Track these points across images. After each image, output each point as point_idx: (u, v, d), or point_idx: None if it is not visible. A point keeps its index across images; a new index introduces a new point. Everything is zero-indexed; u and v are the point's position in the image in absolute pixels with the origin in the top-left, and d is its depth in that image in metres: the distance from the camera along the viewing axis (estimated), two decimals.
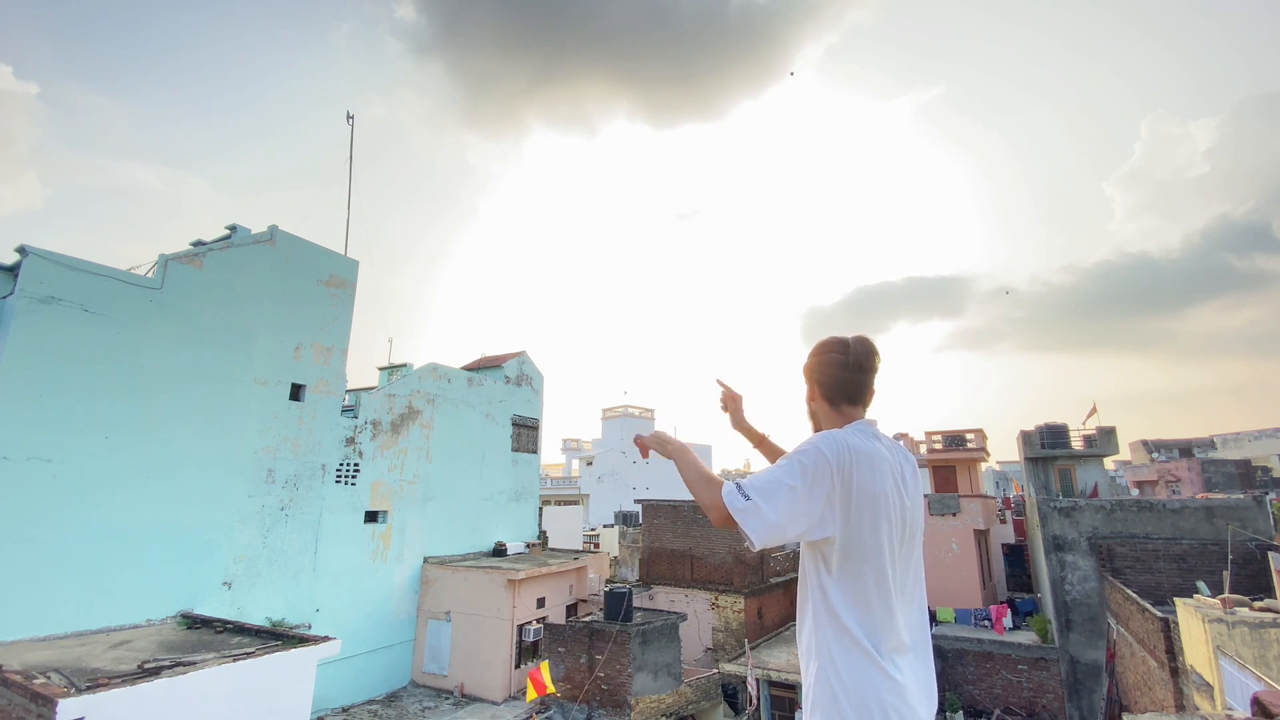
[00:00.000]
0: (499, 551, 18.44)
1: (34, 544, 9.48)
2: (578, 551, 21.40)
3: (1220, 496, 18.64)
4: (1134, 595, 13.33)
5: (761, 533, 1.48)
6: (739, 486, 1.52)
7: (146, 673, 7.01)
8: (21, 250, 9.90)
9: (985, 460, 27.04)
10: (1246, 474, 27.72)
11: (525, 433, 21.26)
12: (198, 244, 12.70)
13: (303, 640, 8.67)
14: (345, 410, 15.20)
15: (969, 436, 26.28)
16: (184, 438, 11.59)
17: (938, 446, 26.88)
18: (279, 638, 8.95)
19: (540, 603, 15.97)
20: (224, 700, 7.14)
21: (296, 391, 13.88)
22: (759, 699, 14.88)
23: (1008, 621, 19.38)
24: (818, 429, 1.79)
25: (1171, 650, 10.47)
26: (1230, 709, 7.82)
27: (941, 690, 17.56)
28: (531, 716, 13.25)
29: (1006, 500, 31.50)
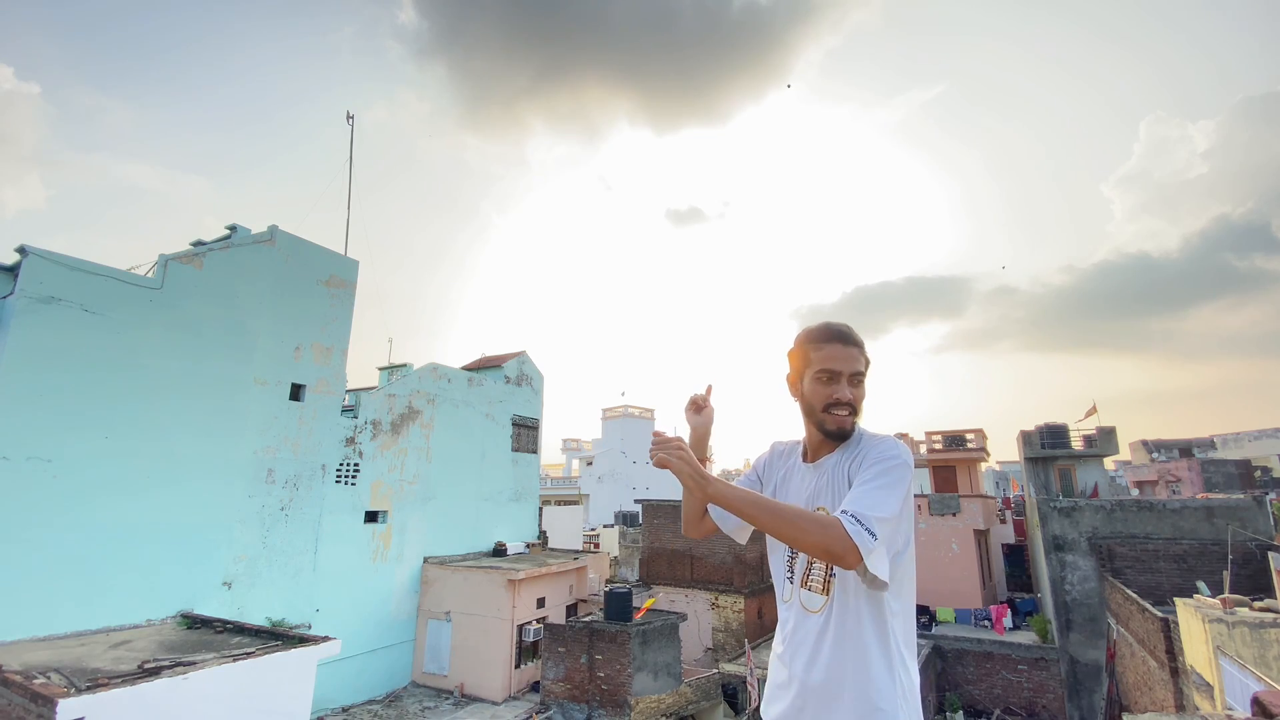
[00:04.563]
0: (499, 551, 18.44)
1: (34, 544, 9.47)
2: (578, 551, 21.39)
3: (1220, 496, 18.64)
4: (1134, 595, 13.34)
5: (886, 572, 1.39)
6: (859, 522, 1.35)
7: (146, 673, 7.01)
8: (21, 250, 9.89)
9: (985, 460, 27.04)
10: (1246, 474, 27.70)
11: (525, 433, 21.26)
12: (198, 244, 12.69)
13: (303, 640, 8.67)
14: (345, 410, 15.20)
15: (969, 436, 26.27)
16: (184, 438, 11.58)
17: (938, 446, 26.87)
18: (279, 638, 8.95)
19: (540, 603, 15.97)
20: (224, 700, 7.14)
21: (296, 391, 13.88)
22: (759, 699, 14.88)
23: (1008, 621, 19.39)
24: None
25: (1171, 650, 10.48)
26: (1230, 709, 7.83)
27: (941, 690, 17.57)
28: (532, 716, 13.26)
29: (1006, 500, 31.51)
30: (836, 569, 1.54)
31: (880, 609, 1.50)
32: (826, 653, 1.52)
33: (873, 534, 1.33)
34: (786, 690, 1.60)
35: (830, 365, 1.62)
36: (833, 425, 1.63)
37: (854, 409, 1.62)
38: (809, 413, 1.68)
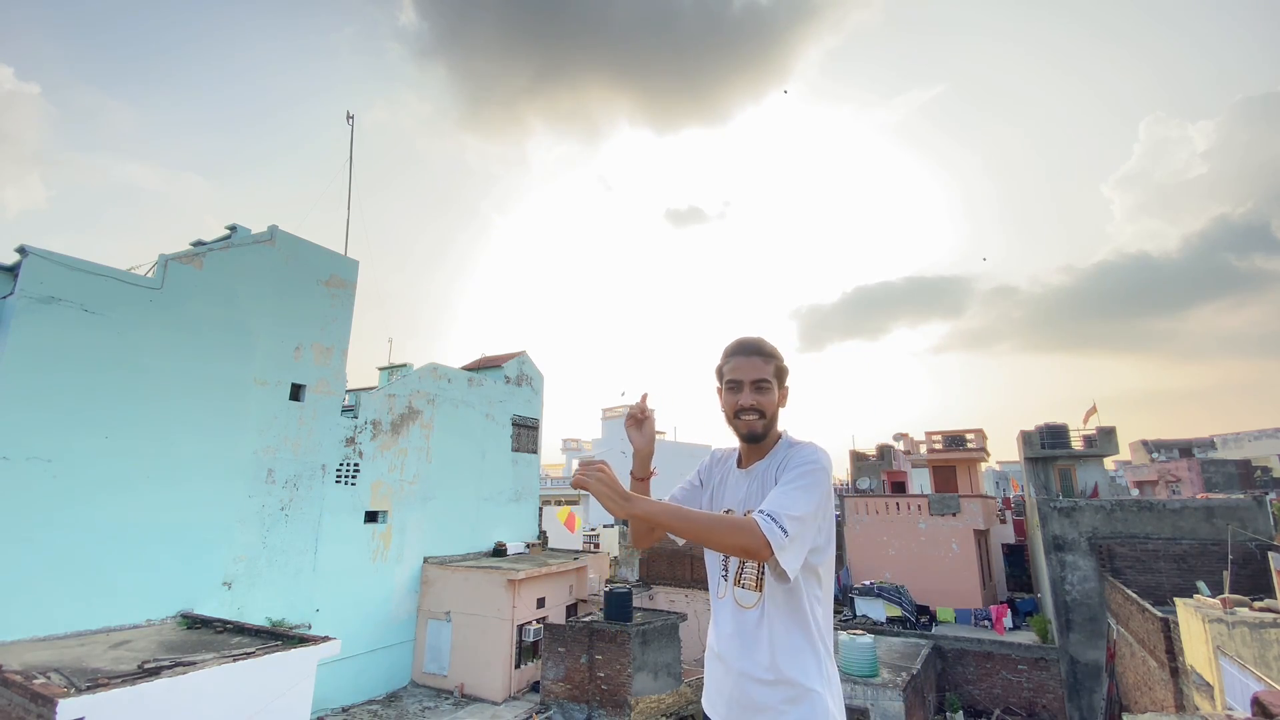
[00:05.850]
0: (499, 551, 18.44)
1: (34, 544, 9.47)
2: (578, 551, 21.40)
3: (1220, 496, 18.65)
4: (1134, 595, 13.34)
5: (795, 566, 1.49)
6: (773, 520, 1.46)
7: (146, 673, 7.01)
8: (21, 250, 9.90)
9: (985, 460, 27.04)
10: (1246, 474, 27.72)
11: (525, 433, 21.26)
12: (198, 244, 12.70)
13: (303, 640, 8.67)
14: (345, 410, 15.20)
15: (969, 436, 26.28)
16: (184, 438, 11.59)
17: (938, 446, 26.88)
18: (279, 638, 8.96)
19: (540, 603, 15.97)
20: (224, 700, 7.14)
21: (296, 391, 13.88)
22: None
23: (1008, 621, 19.38)
24: (775, 424, 1.81)
25: (1171, 650, 10.48)
26: (1230, 709, 7.83)
27: (941, 690, 17.56)
28: (532, 716, 13.26)
29: (1006, 500, 31.50)
30: (767, 566, 1.62)
31: (809, 602, 1.63)
32: (762, 645, 1.62)
33: (784, 530, 1.44)
34: (725, 684, 1.69)
35: (733, 375, 1.77)
36: (743, 430, 1.77)
37: (762, 413, 1.75)
38: (727, 422, 1.82)
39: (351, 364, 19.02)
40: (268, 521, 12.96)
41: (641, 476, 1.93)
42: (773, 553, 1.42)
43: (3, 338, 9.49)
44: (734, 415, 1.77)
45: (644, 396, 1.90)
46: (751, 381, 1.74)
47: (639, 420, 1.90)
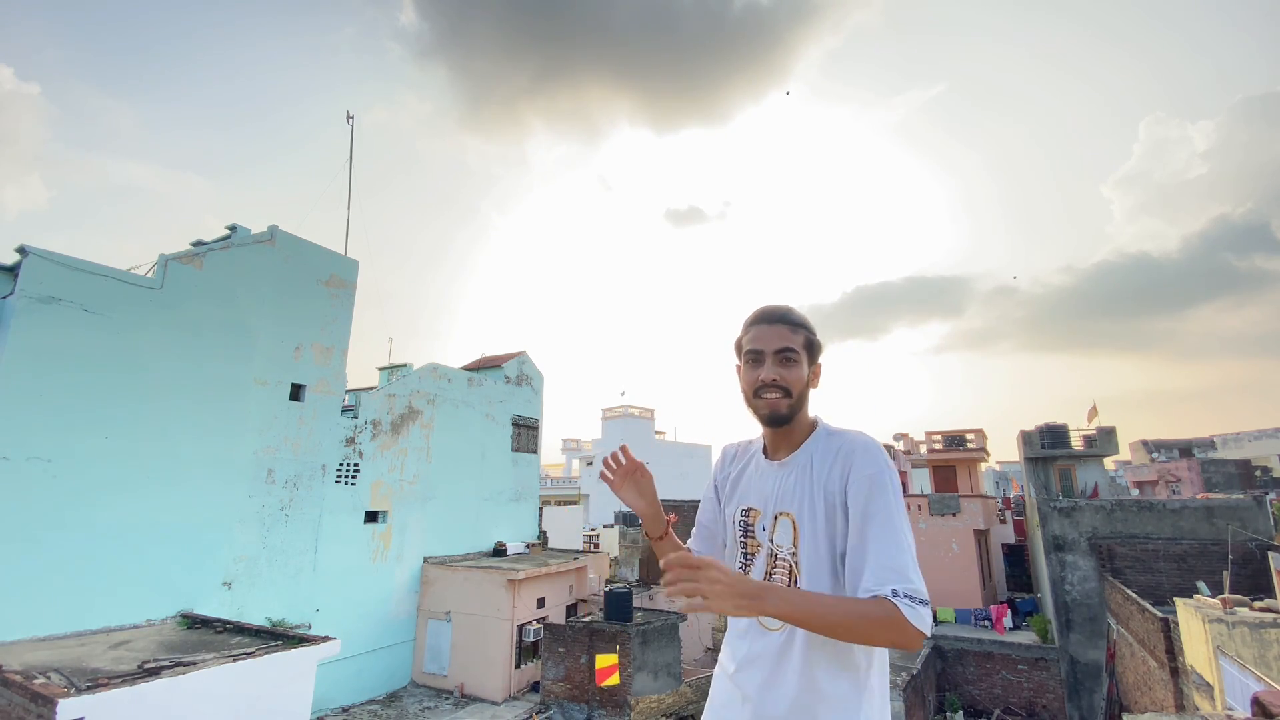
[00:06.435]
0: (499, 551, 18.44)
1: (34, 544, 9.46)
2: (578, 551, 21.39)
3: (1220, 496, 18.65)
4: (1134, 595, 13.34)
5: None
6: (912, 600, 1.18)
7: (146, 673, 7.01)
8: (21, 250, 9.90)
9: (985, 460, 27.06)
10: (1246, 474, 27.71)
11: (525, 433, 21.26)
12: (198, 244, 12.69)
13: (303, 640, 8.67)
14: (345, 410, 15.20)
15: (969, 436, 26.29)
16: (184, 438, 11.58)
17: (938, 446, 26.89)
18: (279, 638, 8.95)
19: (540, 603, 15.97)
20: (224, 700, 7.14)
21: (296, 391, 13.88)
22: None
23: (1008, 621, 19.39)
24: (805, 405, 1.54)
25: (1171, 650, 10.49)
26: (1230, 709, 7.83)
27: (941, 690, 17.56)
28: (532, 716, 13.26)
29: (1006, 500, 31.52)
30: (798, 578, 1.43)
31: None
32: (786, 674, 1.38)
33: (925, 602, 1.20)
34: (739, 712, 1.45)
35: (754, 345, 1.47)
36: (764, 410, 1.47)
37: (787, 391, 1.44)
38: (745, 403, 1.52)
39: (351, 364, 19.04)
40: (268, 521, 12.96)
41: (658, 536, 1.61)
42: (925, 637, 1.19)
43: (3, 338, 9.48)
44: (754, 393, 1.47)
45: (623, 448, 1.61)
46: (775, 352, 1.44)
47: (623, 474, 1.59)
